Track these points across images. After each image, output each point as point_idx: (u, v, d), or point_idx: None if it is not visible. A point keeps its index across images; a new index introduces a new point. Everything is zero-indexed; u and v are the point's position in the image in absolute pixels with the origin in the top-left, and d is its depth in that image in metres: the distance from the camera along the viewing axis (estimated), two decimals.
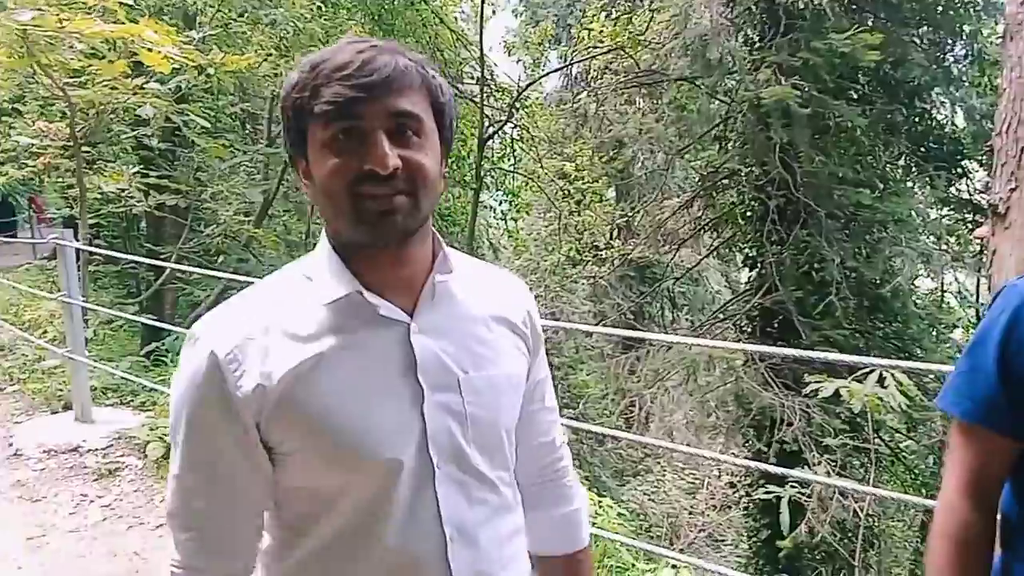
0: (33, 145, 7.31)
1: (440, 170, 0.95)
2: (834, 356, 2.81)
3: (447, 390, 0.95)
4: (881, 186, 8.01)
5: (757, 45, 7.77)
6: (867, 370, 4.48)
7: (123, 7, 5.08)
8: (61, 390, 5.46)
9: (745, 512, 9.60)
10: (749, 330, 8.85)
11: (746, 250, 9.13)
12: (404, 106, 0.89)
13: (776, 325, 8.25)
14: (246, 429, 0.91)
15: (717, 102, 8.96)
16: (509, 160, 12.61)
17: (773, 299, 7.79)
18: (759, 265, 8.62)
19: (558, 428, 1.18)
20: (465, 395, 0.96)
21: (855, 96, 8.44)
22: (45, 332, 7.27)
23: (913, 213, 8.24)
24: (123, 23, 5.02)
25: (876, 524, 8.10)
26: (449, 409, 0.95)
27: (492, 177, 12.74)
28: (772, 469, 4.57)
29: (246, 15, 7.88)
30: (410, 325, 0.95)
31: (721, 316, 10.20)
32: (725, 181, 9.25)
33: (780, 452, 6.98)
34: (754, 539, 8.94)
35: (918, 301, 8.13)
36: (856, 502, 6.25)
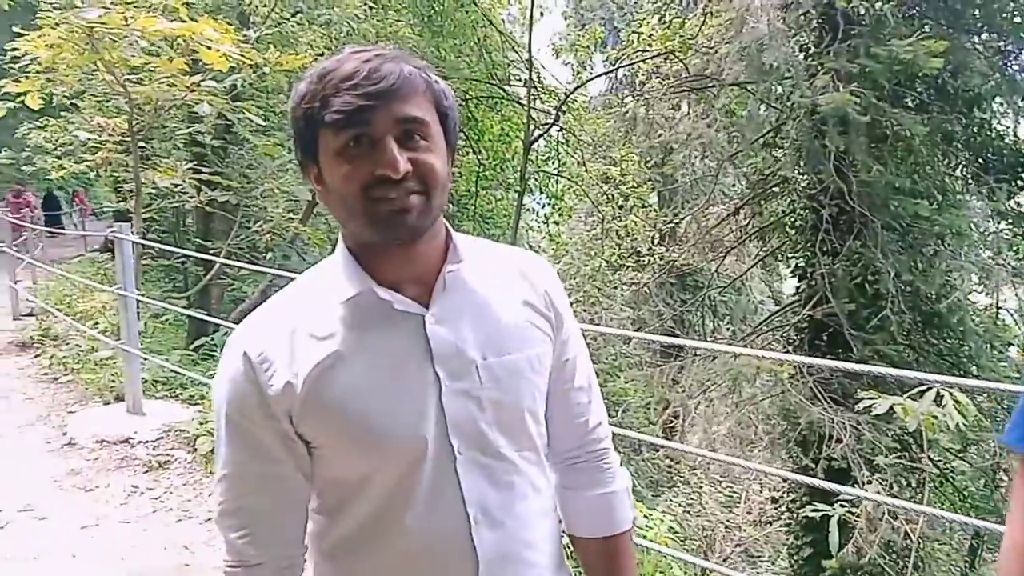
0: (91, 140, 7.47)
1: (448, 171, 0.98)
2: (892, 371, 2.68)
3: (465, 377, 0.98)
4: (940, 198, 7.77)
5: (813, 51, 7.60)
6: (924, 388, 4.35)
7: (185, 5, 5.15)
8: (113, 381, 5.55)
9: (786, 529, 9.38)
10: (796, 342, 8.65)
11: (795, 260, 8.92)
12: (411, 111, 0.92)
13: (825, 338, 8.05)
14: (282, 424, 0.96)
15: (768, 108, 8.79)
16: (553, 163, 12.55)
17: (824, 311, 7.60)
18: (809, 276, 8.42)
19: (595, 409, 1.17)
20: (484, 381, 0.98)
21: (911, 104, 8.21)
22: (96, 323, 7.43)
23: (971, 226, 7.97)
24: (184, 21, 5.10)
25: (922, 546, 7.86)
26: (468, 395, 0.98)
27: (536, 180, 12.70)
28: (825, 485, 4.43)
29: (300, 15, 7.95)
30: (425, 316, 0.98)
31: (766, 327, 10.02)
32: (775, 189, 9.07)
33: (828, 469, 6.80)
34: (796, 557, 8.73)
35: (975, 317, 7.86)
36: (907, 524, 6.05)
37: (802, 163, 7.61)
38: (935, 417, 4.64)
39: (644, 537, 3.21)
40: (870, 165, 7.06)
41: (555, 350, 1.09)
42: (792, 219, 9.10)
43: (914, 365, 7.59)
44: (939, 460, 8.62)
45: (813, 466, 6.91)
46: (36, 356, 6.90)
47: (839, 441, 6.82)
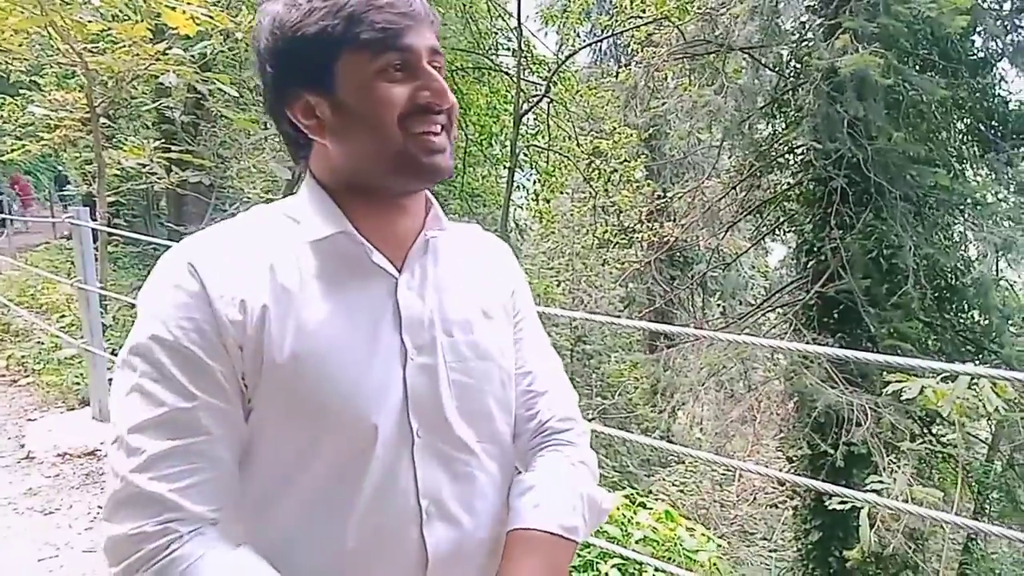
0: (49, 117, 6.88)
1: None
2: (926, 362, 2.30)
3: (432, 352, 0.89)
4: (957, 166, 7.39)
5: (826, 10, 7.11)
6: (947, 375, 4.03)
7: None
8: (78, 383, 5.03)
9: (794, 512, 9.09)
10: (804, 320, 8.28)
11: (802, 234, 8.52)
12: (435, 41, 0.87)
13: (836, 316, 7.69)
14: (231, 353, 0.81)
15: (772, 73, 8.33)
16: (543, 137, 12.02)
17: (836, 287, 7.22)
18: (817, 251, 8.02)
19: (549, 398, 1.03)
20: (449, 359, 0.90)
21: (917, 68, 7.78)
22: (63, 316, 6.87)
23: (990, 196, 7.60)
24: None
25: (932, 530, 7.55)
26: (433, 372, 0.89)
27: (525, 155, 12.18)
28: (818, 484, 4.04)
29: None
30: (398, 279, 0.89)
31: (769, 306, 9.65)
32: (780, 160, 8.64)
33: (848, 455, 6.46)
34: (804, 541, 8.45)
35: (999, 293, 7.51)
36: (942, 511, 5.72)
37: (813, 131, 7.16)
38: (965, 400, 4.32)
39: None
40: (889, 132, 6.64)
41: (513, 337, 1.02)
42: (797, 191, 8.70)
43: (931, 343, 7.27)
44: (941, 436, 8.32)
45: (832, 452, 6.57)
46: None
47: (858, 425, 6.47)
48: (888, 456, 6.23)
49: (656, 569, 2.65)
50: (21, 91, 8.92)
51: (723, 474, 14.87)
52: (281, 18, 0.83)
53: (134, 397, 0.80)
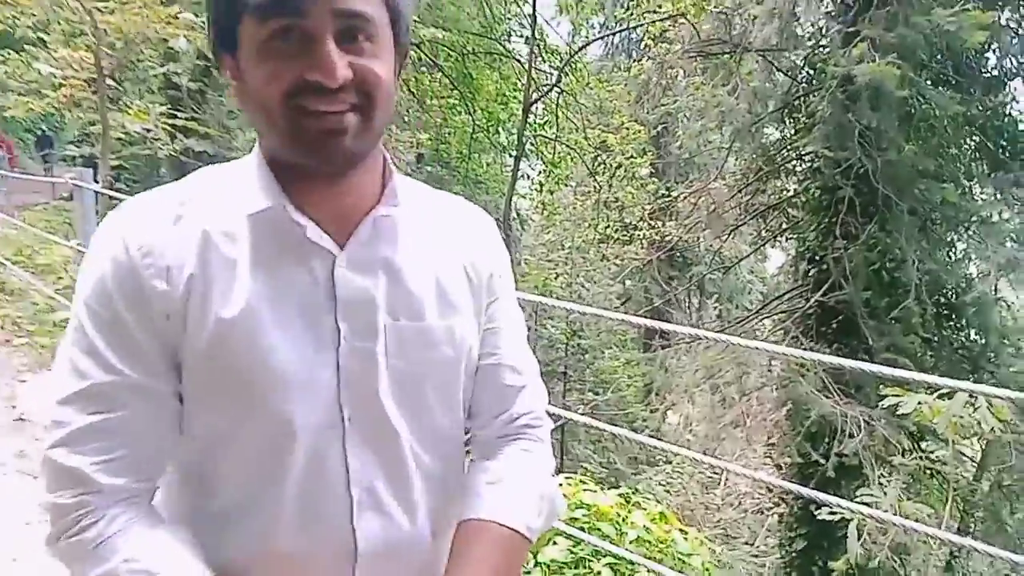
0: (54, 75, 6.80)
1: (395, 82, 0.83)
2: (934, 378, 2.30)
3: (370, 337, 0.84)
4: (966, 183, 7.36)
5: (845, 18, 7.07)
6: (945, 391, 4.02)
7: None
8: None
9: (780, 519, 9.11)
10: (802, 329, 8.26)
11: (806, 242, 8.48)
12: (355, 5, 0.76)
13: (834, 326, 7.66)
14: (158, 323, 0.79)
15: (785, 77, 8.28)
16: (551, 128, 11.95)
17: (836, 298, 7.19)
18: (819, 260, 7.99)
19: (525, 394, 0.99)
20: (390, 344, 0.85)
21: (931, 80, 7.74)
22: (60, 278, 6.81)
23: (995, 215, 7.59)
24: None
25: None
26: (370, 358, 0.84)
27: (532, 145, 12.11)
28: (803, 491, 4.03)
29: None
30: (336, 257, 0.83)
31: (767, 312, 9.64)
32: (788, 166, 8.60)
33: (838, 466, 6.45)
34: (789, 548, 8.47)
35: (1001, 313, 7.50)
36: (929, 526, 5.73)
37: (824, 139, 7.12)
38: (960, 418, 4.31)
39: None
40: (900, 144, 6.60)
41: (480, 325, 0.95)
42: (803, 198, 8.66)
43: (928, 360, 7.26)
44: (930, 451, 8.34)
45: (823, 461, 6.56)
46: None
47: (851, 436, 6.46)
48: (879, 469, 6.22)
49: (649, 570, 2.63)
50: (27, 47, 8.82)
51: (710, 477, 14.93)
52: None
53: (65, 367, 0.80)
